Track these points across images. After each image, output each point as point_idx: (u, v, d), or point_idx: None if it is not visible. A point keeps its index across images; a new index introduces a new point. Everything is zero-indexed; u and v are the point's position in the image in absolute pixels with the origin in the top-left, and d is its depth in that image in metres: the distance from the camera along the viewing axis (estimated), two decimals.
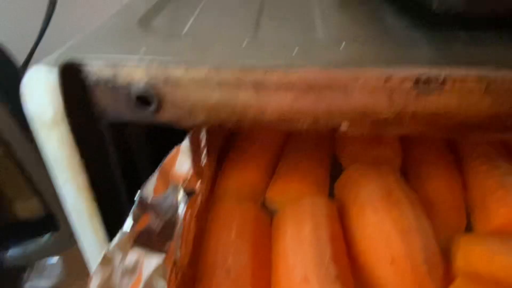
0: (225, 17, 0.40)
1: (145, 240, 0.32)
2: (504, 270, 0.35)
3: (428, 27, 0.34)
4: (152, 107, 0.30)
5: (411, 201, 0.41)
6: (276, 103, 0.30)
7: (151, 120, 0.31)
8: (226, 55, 0.30)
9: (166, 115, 0.31)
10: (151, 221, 0.33)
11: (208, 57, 0.30)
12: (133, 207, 0.32)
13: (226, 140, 0.53)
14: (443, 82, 0.28)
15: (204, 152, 0.42)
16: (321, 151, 0.54)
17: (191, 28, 0.36)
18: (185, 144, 0.38)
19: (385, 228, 0.37)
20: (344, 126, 0.31)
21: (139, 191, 0.33)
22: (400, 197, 0.41)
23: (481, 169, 0.47)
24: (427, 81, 0.28)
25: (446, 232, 0.42)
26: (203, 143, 0.42)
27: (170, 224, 0.35)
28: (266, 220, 0.42)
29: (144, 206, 0.33)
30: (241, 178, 0.47)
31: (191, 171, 0.38)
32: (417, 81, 0.28)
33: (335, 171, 0.50)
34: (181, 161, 0.37)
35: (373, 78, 0.28)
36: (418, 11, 0.36)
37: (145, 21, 0.37)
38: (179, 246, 0.35)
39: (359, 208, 0.41)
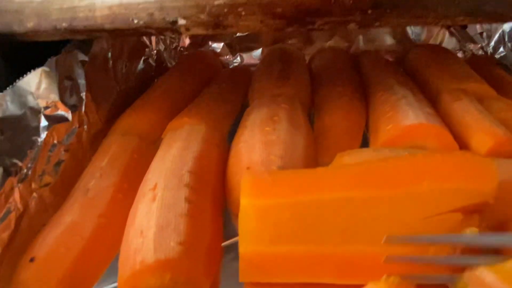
0: None
1: None
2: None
3: None
4: None
5: (293, 123, 0.40)
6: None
7: None
8: None
9: None
10: None
11: None
12: None
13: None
14: None
15: (81, 82, 0.41)
16: (235, 93, 0.53)
17: None
18: (47, 67, 0.37)
19: (252, 141, 0.36)
20: (181, 21, 0.30)
21: None
22: (282, 118, 0.40)
23: (380, 98, 0.46)
24: None
25: (335, 152, 0.40)
26: (77, 72, 0.41)
27: (22, 144, 0.34)
28: (150, 153, 0.41)
29: None
30: (137, 117, 0.45)
31: (55, 97, 0.37)
32: None
33: None
34: (44, 84, 0.37)
35: None
36: None
37: None
38: (30, 168, 0.34)
39: (243, 129, 0.40)
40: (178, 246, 0.27)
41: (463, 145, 0.39)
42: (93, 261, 0.30)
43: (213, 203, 0.33)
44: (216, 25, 0.31)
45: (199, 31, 0.32)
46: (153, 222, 0.28)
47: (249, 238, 0.27)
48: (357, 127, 0.44)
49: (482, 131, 0.38)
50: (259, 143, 0.36)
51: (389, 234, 0.26)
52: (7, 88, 0.34)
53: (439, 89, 0.47)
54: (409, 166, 0.28)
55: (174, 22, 0.30)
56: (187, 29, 0.31)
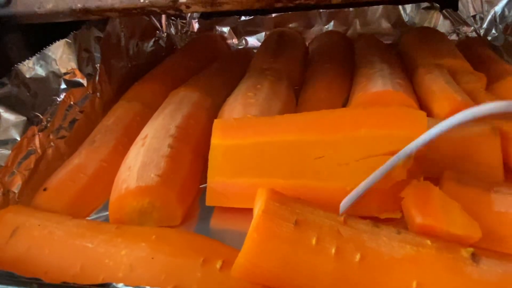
0: None
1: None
2: None
3: None
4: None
5: (273, 90, 0.45)
6: None
7: (3, 14, 0.37)
8: None
9: (19, 7, 0.37)
10: (19, 91, 0.40)
11: None
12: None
13: None
14: None
15: (97, 55, 0.48)
16: (234, 70, 0.58)
17: None
18: (69, 39, 0.44)
19: (235, 103, 0.42)
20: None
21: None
22: (264, 86, 0.45)
23: (361, 72, 0.50)
24: None
25: None
26: (93, 46, 0.48)
27: (44, 101, 0.41)
28: (151, 117, 0.47)
29: (18, 79, 0.40)
30: (142, 87, 0.52)
31: (73, 65, 0.44)
32: None
33: None
34: (65, 53, 0.44)
35: None
36: None
37: None
38: (49, 122, 0.41)
39: (231, 95, 0.46)
40: (157, 177, 0.33)
41: (428, 111, 0.42)
42: (93, 193, 0.37)
43: (195, 151, 0.38)
44: (213, 2, 0.36)
45: (198, 8, 0.37)
46: (139, 160, 0.34)
47: (216, 171, 0.33)
48: (337, 98, 0.49)
49: (443, 98, 0.42)
50: (240, 105, 0.41)
51: (329, 171, 0.31)
52: (36, 53, 0.42)
53: (417, 64, 0.51)
54: (350, 115, 0.32)
55: (175, 1, 0.36)
56: (188, 7, 0.36)
